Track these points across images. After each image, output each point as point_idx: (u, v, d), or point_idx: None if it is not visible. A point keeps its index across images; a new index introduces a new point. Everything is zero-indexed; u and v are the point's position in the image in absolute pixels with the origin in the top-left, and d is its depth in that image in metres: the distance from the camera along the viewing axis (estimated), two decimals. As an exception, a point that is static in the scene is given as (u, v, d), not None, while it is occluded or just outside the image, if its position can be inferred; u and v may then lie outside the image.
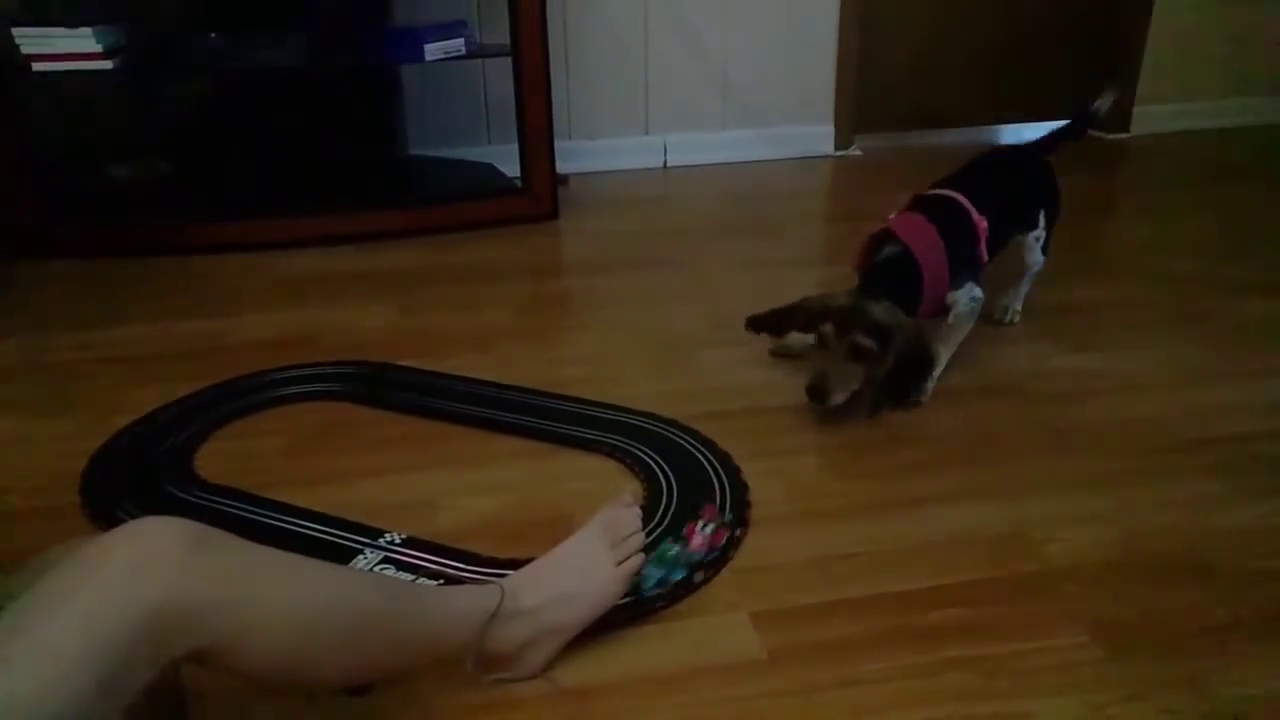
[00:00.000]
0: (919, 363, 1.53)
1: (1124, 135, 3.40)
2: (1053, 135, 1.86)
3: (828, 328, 1.50)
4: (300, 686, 0.91)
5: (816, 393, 1.49)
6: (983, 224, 1.62)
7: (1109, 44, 3.35)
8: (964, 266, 1.62)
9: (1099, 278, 1.88)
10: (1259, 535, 1.24)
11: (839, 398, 1.50)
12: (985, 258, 1.66)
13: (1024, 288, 1.85)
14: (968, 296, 1.62)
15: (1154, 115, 3.40)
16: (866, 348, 1.47)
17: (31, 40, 2.17)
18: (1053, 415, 1.55)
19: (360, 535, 1.24)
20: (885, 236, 1.59)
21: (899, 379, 1.52)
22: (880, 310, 1.49)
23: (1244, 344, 1.78)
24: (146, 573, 0.72)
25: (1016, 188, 1.78)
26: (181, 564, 0.74)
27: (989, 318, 1.81)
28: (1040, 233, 1.79)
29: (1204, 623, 1.08)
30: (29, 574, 0.77)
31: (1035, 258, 1.80)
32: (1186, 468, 1.39)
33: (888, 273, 1.55)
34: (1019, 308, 1.85)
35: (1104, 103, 1.86)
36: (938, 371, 1.61)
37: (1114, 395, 1.61)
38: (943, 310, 1.63)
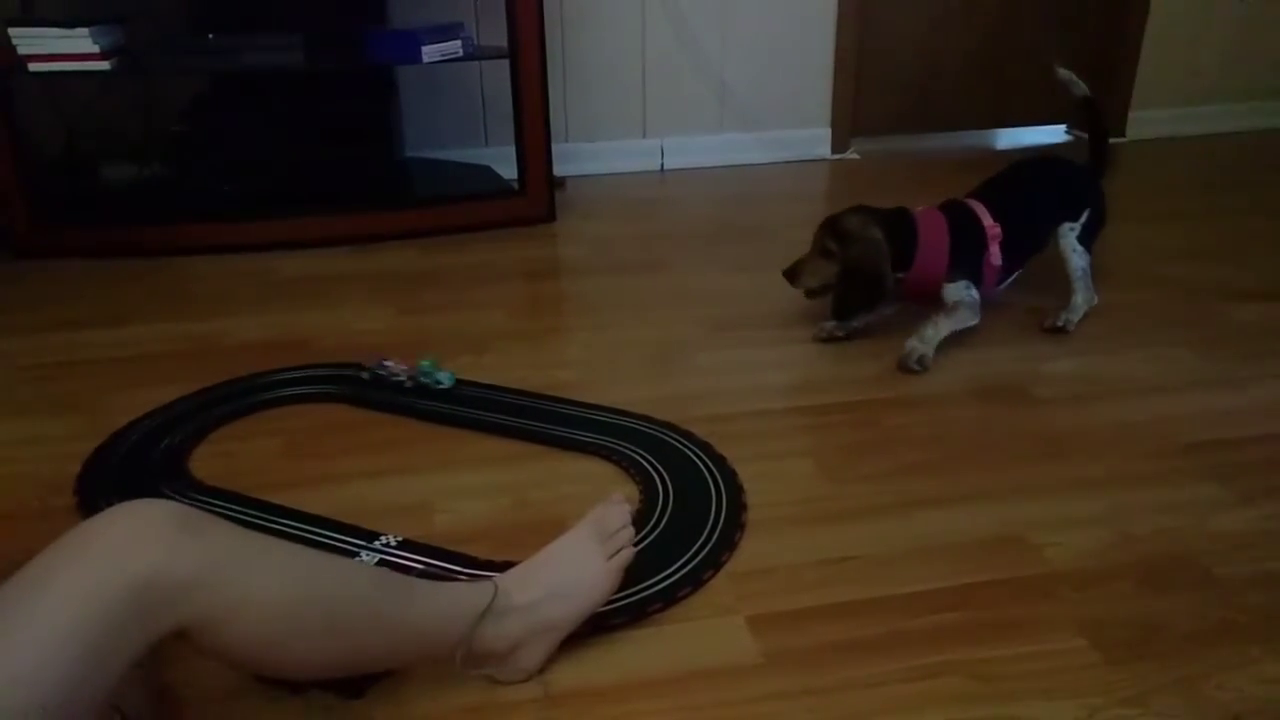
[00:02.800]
0: (866, 276, 1.72)
1: (1120, 140, 3.40)
2: (1095, 156, 1.99)
3: (817, 231, 1.80)
4: (284, 672, 0.90)
5: (790, 275, 1.82)
6: (995, 229, 1.76)
7: (1105, 49, 3.36)
8: (964, 266, 1.76)
9: (1097, 282, 1.88)
10: (1256, 539, 1.24)
11: (806, 282, 1.80)
12: (997, 262, 1.78)
13: (1077, 294, 1.85)
14: (963, 290, 1.75)
15: (1150, 120, 3.41)
16: (830, 249, 1.75)
17: (28, 40, 2.16)
18: (1051, 418, 1.55)
19: (356, 537, 1.23)
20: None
21: (845, 288, 1.74)
22: (852, 219, 1.75)
23: (1241, 348, 1.78)
24: (136, 547, 0.73)
25: (1050, 186, 1.90)
26: (171, 540, 0.75)
27: (1040, 325, 1.85)
28: (1076, 226, 1.86)
29: (1201, 626, 1.08)
30: None
31: (1069, 243, 1.85)
32: (1184, 471, 1.39)
33: (887, 213, 1.77)
34: (1074, 318, 1.84)
35: (1071, 82, 1.99)
36: (937, 339, 1.70)
37: (1112, 399, 1.61)
38: (935, 295, 1.76)
